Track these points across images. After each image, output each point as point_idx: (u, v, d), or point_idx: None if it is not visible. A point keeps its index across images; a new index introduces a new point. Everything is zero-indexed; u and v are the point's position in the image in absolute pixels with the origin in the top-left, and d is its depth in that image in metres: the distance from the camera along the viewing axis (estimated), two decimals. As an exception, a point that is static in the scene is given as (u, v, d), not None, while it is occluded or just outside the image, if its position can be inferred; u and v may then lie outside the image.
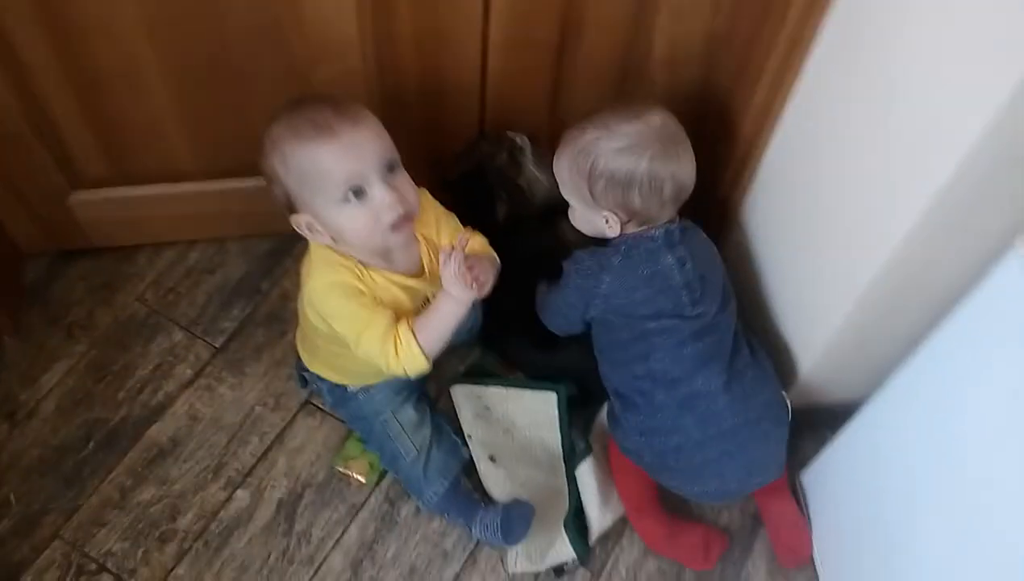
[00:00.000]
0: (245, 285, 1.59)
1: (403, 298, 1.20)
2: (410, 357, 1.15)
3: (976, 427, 0.98)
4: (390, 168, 1.11)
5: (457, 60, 1.30)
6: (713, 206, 1.49)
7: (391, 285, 1.19)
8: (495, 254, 1.28)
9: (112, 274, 1.58)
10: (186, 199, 1.51)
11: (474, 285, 1.11)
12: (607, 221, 1.21)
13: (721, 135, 1.40)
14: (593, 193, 1.19)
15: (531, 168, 1.43)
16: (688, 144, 1.19)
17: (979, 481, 0.98)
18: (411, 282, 1.20)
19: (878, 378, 1.16)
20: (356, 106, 1.11)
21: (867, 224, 1.11)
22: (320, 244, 1.17)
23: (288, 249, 1.63)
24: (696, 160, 1.21)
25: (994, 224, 0.99)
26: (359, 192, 1.09)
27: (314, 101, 1.10)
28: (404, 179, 1.14)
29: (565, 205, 1.47)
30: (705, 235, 1.29)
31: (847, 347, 1.25)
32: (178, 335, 1.53)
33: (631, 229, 1.22)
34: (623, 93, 1.43)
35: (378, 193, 1.09)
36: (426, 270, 1.23)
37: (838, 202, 1.18)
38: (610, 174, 1.16)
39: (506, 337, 1.50)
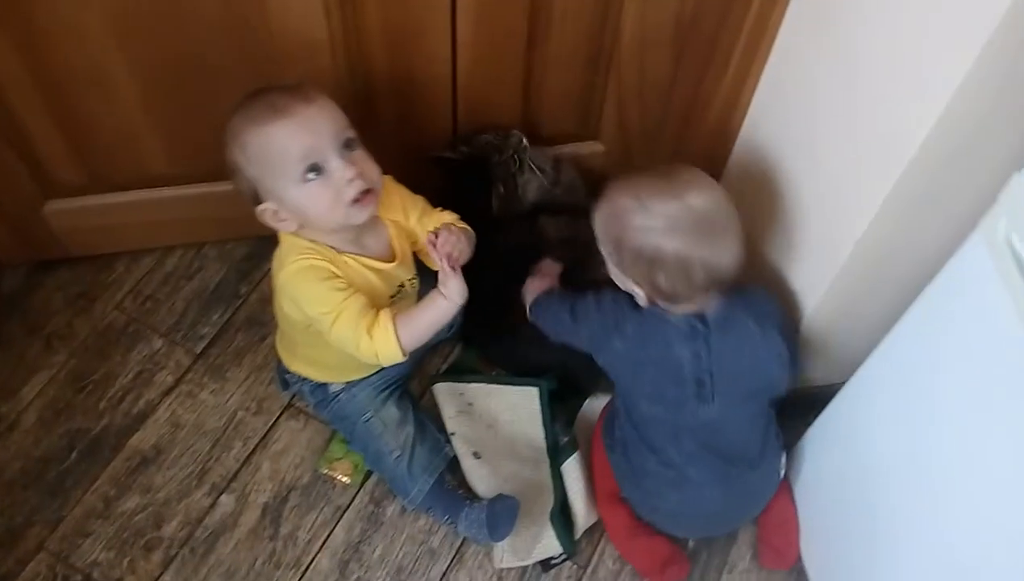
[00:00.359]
0: (224, 290, 1.58)
1: (377, 283, 1.20)
2: (385, 343, 1.14)
3: (945, 412, 0.98)
4: (347, 145, 1.12)
5: (427, 54, 1.30)
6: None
7: (364, 269, 1.19)
8: (471, 229, 1.28)
9: (90, 283, 1.57)
10: (162, 205, 1.51)
11: (454, 267, 1.14)
12: (635, 291, 1.16)
13: (691, 122, 1.40)
14: (621, 262, 1.14)
15: (529, 167, 1.44)
16: (733, 228, 1.09)
17: (949, 465, 0.98)
18: (383, 266, 1.21)
19: (854, 364, 1.16)
20: (309, 87, 1.12)
21: (838, 204, 1.11)
22: (289, 234, 1.17)
23: (266, 253, 1.59)
24: (668, 149, 1.21)
25: (961, 205, 0.99)
26: (317, 168, 1.10)
27: (269, 89, 1.11)
28: (363, 155, 1.15)
29: (551, 206, 1.48)
30: (754, 326, 1.17)
31: (823, 330, 1.25)
32: (158, 342, 1.52)
33: (662, 302, 1.15)
34: (594, 86, 1.43)
35: (336, 168, 1.10)
36: (397, 254, 1.24)
37: (811, 182, 1.18)
38: (637, 250, 1.10)
39: (486, 333, 1.49)
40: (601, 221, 1.15)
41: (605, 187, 1.15)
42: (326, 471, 1.41)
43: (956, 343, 0.95)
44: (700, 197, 1.08)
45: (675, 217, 1.07)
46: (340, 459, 1.42)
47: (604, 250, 1.17)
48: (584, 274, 1.42)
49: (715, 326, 1.15)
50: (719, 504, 1.27)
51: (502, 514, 1.30)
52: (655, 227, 1.08)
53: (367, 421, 1.36)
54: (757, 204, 1.33)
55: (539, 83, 1.40)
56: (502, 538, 1.31)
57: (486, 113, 1.43)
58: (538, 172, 1.45)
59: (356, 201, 1.12)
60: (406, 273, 1.24)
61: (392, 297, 1.25)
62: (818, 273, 1.18)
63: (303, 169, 1.09)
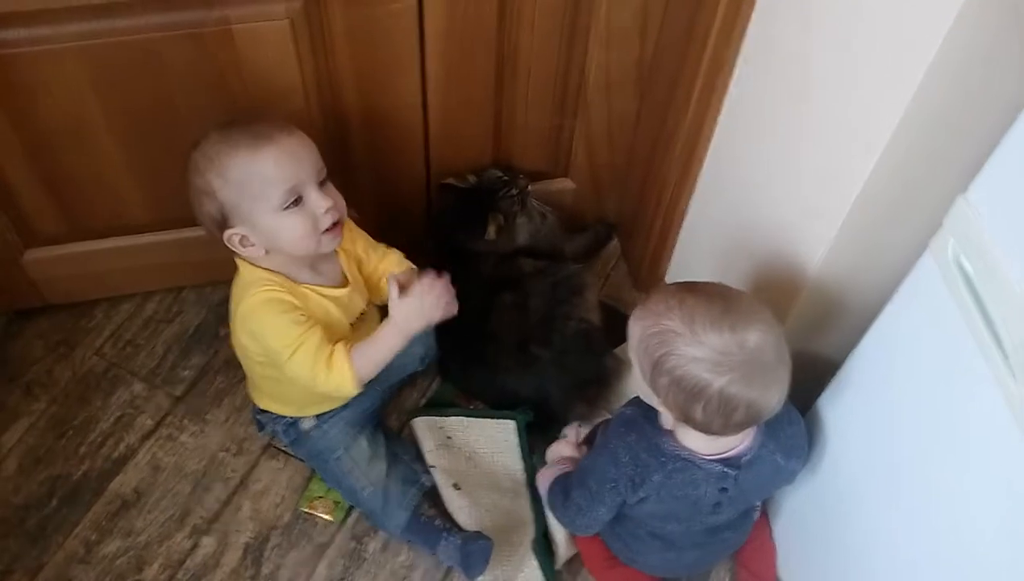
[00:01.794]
0: (203, 333, 1.60)
1: (335, 311, 1.24)
2: (341, 374, 1.17)
3: (908, 427, 1.01)
4: (321, 179, 1.16)
5: (398, 97, 1.34)
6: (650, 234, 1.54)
7: (322, 299, 1.23)
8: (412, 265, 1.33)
9: (69, 330, 1.59)
10: (141, 251, 1.53)
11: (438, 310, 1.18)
12: (662, 412, 1.09)
13: (657, 157, 1.44)
14: (654, 382, 1.04)
15: (530, 210, 1.50)
16: (783, 371, 1.01)
17: (916, 479, 1.00)
18: (338, 293, 1.25)
19: (819, 388, 1.19)
20: (284, 120, 1.16)
21: (794, 236, 1.16)
22: (250, 265, 1.20)
23: (245, 295, 1.64)
24: (637, 185, 1.23)
25: (916, 227, 1.02)
26: (297, 199, 1.13)
27: (245, 118, 1.14)
28: (333, 188, 1.19)
29: (532, 251, 1.51)
30: (781, 461, 1.14)
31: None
32: (138, 386, 1.53)
33: (687, 429, 1.08)
34: (563, 127, 1.47)
35: (315, 199, 1.14)
36: (350, 280, 1.28)
37: (768, 212, 1.22)
38: (678, 379, 1.00)
39: (462, 365, 1.51)
40: (639, 333, 1.04)
41: (650, 291, 1.07)
42: (307, 510, 1.42)
43: (914, 361, 0.98)
44: (757, 335, 0.99)
45: (727, 353, 0.98)
46: (321, 497, 1.43)
47: (634, 359, 1.07)
48: (558, 309, 1.46)
49: (746, 465, 1.11)
50: (700, 560, 1.32)
51: (475, 554, 1.31)
52: (703, 359, 0.98)
53: (338, 458, 1.37)
54: (720, 237, 1.37)
55: (509, 124, 1.45)
56: (476, 577, 1.33)
57: (458, 153, 1.47)
58: (537, 216, 1.50)
59: (329, 231, 1.16)
60: (362, 299, 1.29)
61: (353, 324, 1.28)
62: (781, 297, 1.22)
63: (285, 198, 1.12)
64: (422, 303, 1.18)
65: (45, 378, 1.53)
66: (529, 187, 1.50)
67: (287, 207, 1.13)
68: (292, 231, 1.14)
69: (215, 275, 1.63)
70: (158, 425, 1.50)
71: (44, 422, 1.49)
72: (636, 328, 1.06)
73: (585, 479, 1.19)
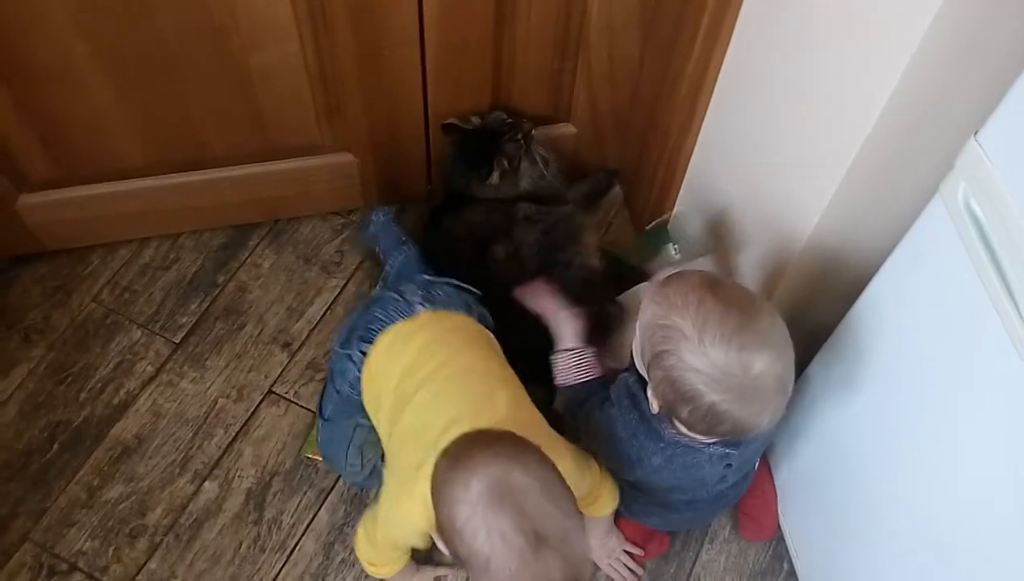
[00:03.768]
0: (201, 279, 1.59)
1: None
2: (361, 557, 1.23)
3: (913, 375, 1.00)
4: None
5: (394, 36, 1.30)
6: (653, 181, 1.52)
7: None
8: None
9: (66, 276, 1.57)
10: (136, 196, 1.51)
11: None
12: (650, 394, 1.06)
13: (661, 102, 1.41)
14: (650, 370, 1.02)
15: (534, 155, 1.47)
16: (781, 398, 0.97)
17: (919, 427, 1.00)
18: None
19: (825, 333, 1.18)
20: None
21: (803, 178, 1.14)
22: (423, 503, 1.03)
23: (242, 241, 1.63)
24: (640, 130, 1.20)
25: (922, 174, 1.01)
26: None
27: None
28: None
29: (533, 197, 1.48)
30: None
31: (792, 303, 1.28)
32: (137, 333, 1.53)
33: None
34: (564, 70, 1.44)
35: None
36: None
37: (771, 159, 1.20)
38: (672, 379, 0.97)
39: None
40: (650, 317, 1.01)
41: (671, 277, 1.02)
42: (309, 455, 1.43)
43: (921, 308, 0.97)
44: (764, 361, 0.94)
45: (728, 373, 0.94)
46: (322, 443, 1.43)
47: (639, 333, 1.04)
48: (552, 256, 1.44)
49: (745, 441, 1.10)
50: (700, 516, 1.34)
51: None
52: (702, 371, 0.95)
53: (355, 426, 1.34)
54: (725, 183, 1.35)
55: (509, 65, 1.41)
56: None
57: (457, 95, 1.44)
58: (540, 162, 1.48)
59: None
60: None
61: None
62: (784, 246, 1.20)
63: None
64: None
65: (43, 324, 1.53)
66: (533, 132, 1.47)
67: None
68: None
69: (213, 221, 1.62)
70: (158, 371, 1.50)
71: (43, 368, 1.49)
72: (649, 310, 1.02)
73: (588, 419, 1.19)
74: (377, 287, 1.44)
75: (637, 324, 1.05)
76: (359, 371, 1.24)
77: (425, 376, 1.14)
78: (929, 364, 0.97)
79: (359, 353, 1.23)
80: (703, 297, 0.96)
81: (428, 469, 0.97)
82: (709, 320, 0.95)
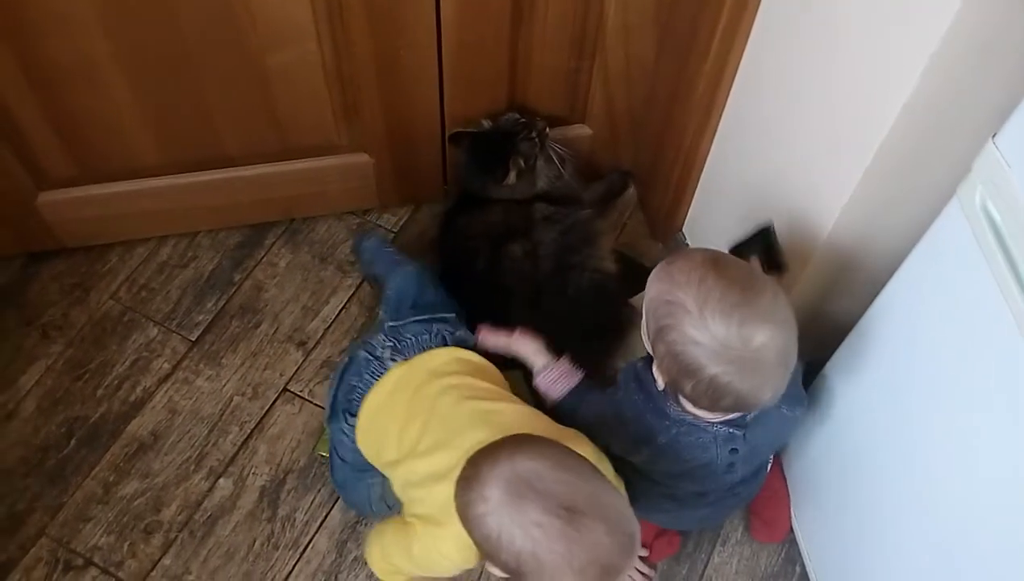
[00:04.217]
0: (218, 278, 1.60)
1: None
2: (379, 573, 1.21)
3: (928, 378, 1.00)
4: None
5: (412, 36, 1.31)
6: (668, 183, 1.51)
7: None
8: None
9: (85, 273, 1.59)
10: (154, 195, 1.52)
11: None
12: (656, 372, 1.07)
13: (677, 102, 1.41)
14: (654, 346, 1.03)
15: (549, 153, 1.47)
16: (782, 372, 0.99)
17: (934, 430, 1.00)
18: None
19: (840, 336, 1.18)
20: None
21: (820, 179, 1.13)
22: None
23: (258, 240, 1.64)
24: (655, 132, 1.20)
25: (940, 176, 1.00)
26: None
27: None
28: None
29: (550, 197, 1.48)
30: (786, 411, 1.13)
31: (808, 305, 1.27)
32: (153, 330, 1.54)
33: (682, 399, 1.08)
34: (580, 70, 1.44)
35: None
36: None
37: (789, 158, 1.19)
38: (675, 353, 0.99)
39: (475, 317, 1.50)
40: (654, 296, 1.03)
41: (680, 256, 1.03)
42: (323, 453, 1.43)
43: (937, 310, 0.97)
44: (765, 335, 0.95)
45: (728, 346, 0.95)
46: (336, 441, 1.44)
47: (644, 313, 1.06)
48: (567, 257, 1.44)
49: (752, 423, 1.10)
50: (713, 515, 1.33)
51: None
52: (703, 344, 0.96)
53: (369, 484, 1.32)
54: (740, 185, 1.35)
55: (525, 65, 1.42)
56: None
57: (473, 95, 1.44)
58: (556, 161, 1.48)
59: None
60: None
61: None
62: (802, 247, 1.20)
63: None
64: None
65: (61, 321, 1.54)
66: (547, 130, 1.47)
67: None
68: None
69: (230, 220, 1.63)
70: (174, 369, 1.51)
71: (61, 364, 1.50)
72: (653, 287, 1.03)
73: (589, 410, 1.20)
74: (380, 310, 1.43)
75: (644, 304, 1.06)
76: (354, 439, 1.24)
77: (421, 427, 1.14)
78: (945, 366, 0.96)
79: (348, 425, 1.24)
80: (705, 274, 0.98)
81: (452, 507, 0.97)
82: (711, 295, 0.96)
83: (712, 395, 0.99)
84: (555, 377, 1.24)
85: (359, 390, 1.23)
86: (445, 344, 1.25)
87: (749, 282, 0.99)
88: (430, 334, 1.26)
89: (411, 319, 1.28)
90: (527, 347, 1.27)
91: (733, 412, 1.06)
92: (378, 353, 1.24)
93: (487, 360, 1.26)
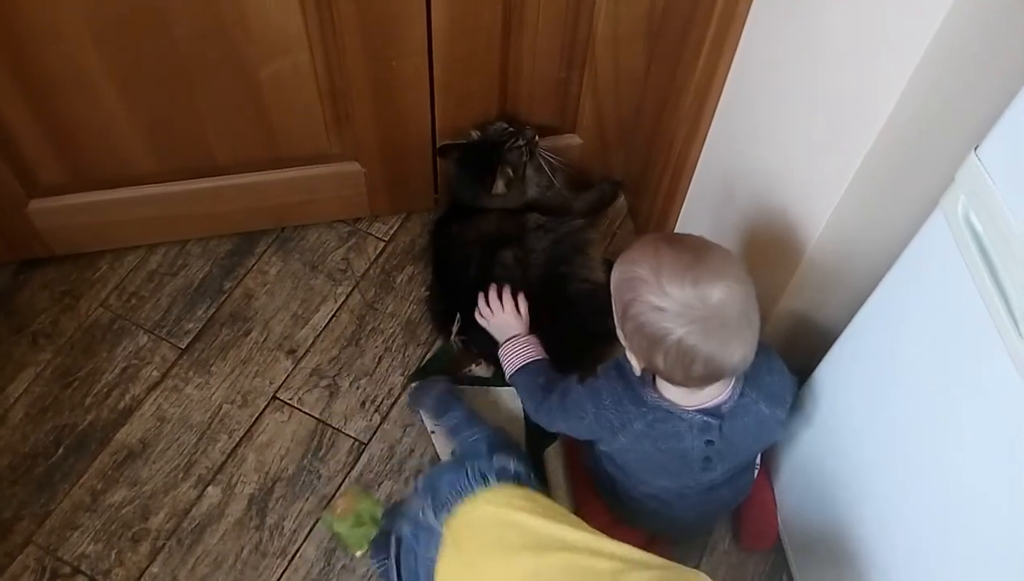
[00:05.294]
0: (208, 286, 1.60)
1: None
2: None
3: (913, 387, 1.00)
4: None
5: (403, 47, 1.32)
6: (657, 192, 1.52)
7: None
8: None
9: (75, 281, 1.59)
10: (145, 202, 1.52)
11: None
12: (631, 358, 1.10)
13: (666, 113, 1.42)
14: (623, 327, 1.07)
15: (539, 161, 1.48)
16: (749, 328, 1.02)
17: (920, 438, 1.00)
18: None
19: (825, 347, 1.19)
20: None
21: (803, 192, 1.14)
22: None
23: (249, 248, 1.64)
24: (645, 141, 1.21)
25: (924, 187, 1.01)
26: None
27: None
28: None
29: (541, 207, 1.49)
30: (765, 409, 1.15)
31: (794, 314, 1.28)
32: (143, 338, 1.54)
33: (659, 380, 1.12)
34: (570, 81, 1.45)
35: None
36: None
37: (777, 166, 1.20)
38: (640, 325, 1.03)
39: (469, 324, 1.51)
40: (616, 279, 1.08)
41: (635, 242, 1.09)
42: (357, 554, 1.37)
43: (921, 319, 0.97)
44: (721, 291, 1.00)
45: (688, 305, 0.99)
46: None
47: (614, 306, 1.10)
48: (557, 266, 1.45)
49: (728, 415, 1.12)
50: (698, 520, 1.34)
51: None
52: (665, 309, 1.00)
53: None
54: (729, 194, 1.35)
55: (516, 75, 1.43)
56: None
57: (464, 105, 1.45)
58: (547, 170, 1.48)
59: None
60: None
61: None
62: (789, 255, 1.21)
63: None
64: None
65: (51, 328, 1.54)
66: (536, 138, 1.48)
67: None
68: None
69: (220, 228, 1.63)
70: (164, 377, 1.51)
71: (50, 372, 1.50)
72: (615, 273, 1.09)
73: (566, 393, 1.22)
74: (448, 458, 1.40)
75: (611, 292, 1.10)
76: None
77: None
78: (929, 376, 0.97)
79: None
80: (658, 247, 1.04)
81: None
82: (663, 264, 1.02)
83: (683, 362, 1.02)
84: (521, 349, 1.31)
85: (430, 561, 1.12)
86: (486, 484, 1.13)
87: (699, 246, 1.05)
88: (468, 477, 1.14)
89: (441, 467, 1.26)
90: (512, 320, 1.35)
91: (708, 382, 1.08)
92: (424, 515, 1.14)
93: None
